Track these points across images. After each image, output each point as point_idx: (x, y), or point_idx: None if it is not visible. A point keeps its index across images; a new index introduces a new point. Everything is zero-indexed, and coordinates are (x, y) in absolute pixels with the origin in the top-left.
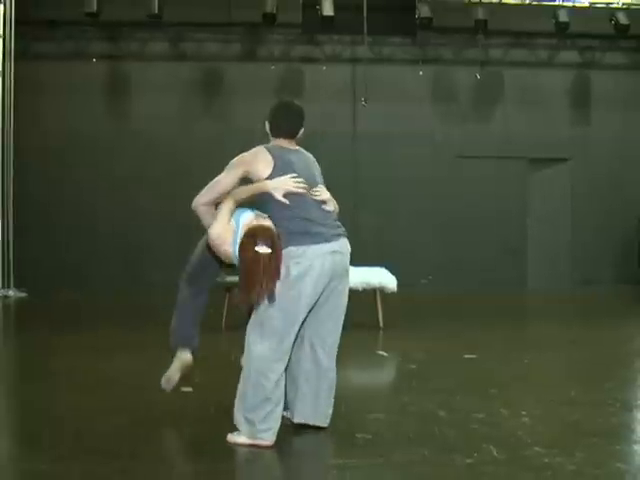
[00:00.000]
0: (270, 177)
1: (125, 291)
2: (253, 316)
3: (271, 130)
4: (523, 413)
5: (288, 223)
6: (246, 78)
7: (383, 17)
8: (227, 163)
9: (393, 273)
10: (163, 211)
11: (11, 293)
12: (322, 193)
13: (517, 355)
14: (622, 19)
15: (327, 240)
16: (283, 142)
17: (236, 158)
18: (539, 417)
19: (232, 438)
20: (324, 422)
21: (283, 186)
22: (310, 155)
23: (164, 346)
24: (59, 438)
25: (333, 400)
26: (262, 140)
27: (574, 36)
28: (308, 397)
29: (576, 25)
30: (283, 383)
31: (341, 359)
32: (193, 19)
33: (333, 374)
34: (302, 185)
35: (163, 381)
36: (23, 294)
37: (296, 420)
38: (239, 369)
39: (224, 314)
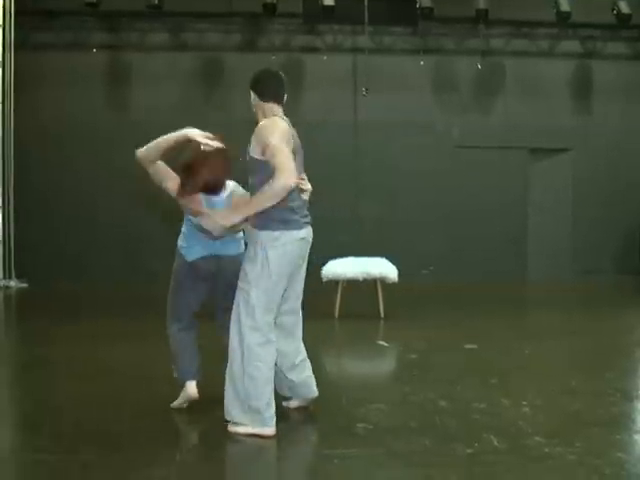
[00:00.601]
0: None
1: (125, 281)
2: (235, 308)
3: (261, 95)
4: (524, 403)
5: (272, 209)
6: (247, 68)
7: (384, 7)
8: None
9: (394, 263)
10: (164, 201)
11: (12, 284)
12: (306, 183)
13: (518, 345)
14: (624, 8)
15: (300, 227)
16: (275, 108)
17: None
18: (540, 407)
19: (233, 428)
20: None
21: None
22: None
23: (163, 336)
24: (60, 428)
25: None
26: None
27: (575, 26)
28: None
29: (577, 15)
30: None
31: (342, 349)
32: (193, 9)
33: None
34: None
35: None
36: (24, 285)
37: (301, 403)
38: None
39: None
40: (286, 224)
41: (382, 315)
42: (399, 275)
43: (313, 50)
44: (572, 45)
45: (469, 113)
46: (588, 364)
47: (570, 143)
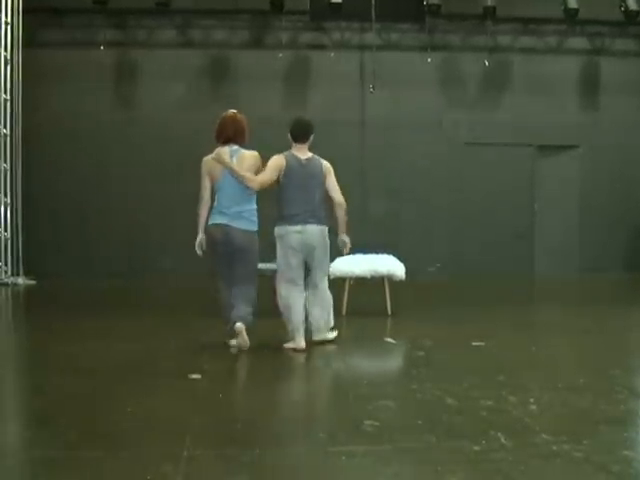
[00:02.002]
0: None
1: (133, 277)
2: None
3: (293, 139)
4: (531, 400)
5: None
6: (254, 65)
7: (391, 3)
8: None
9: (401, 261)
10: (171, 198)
11: (20, 281)
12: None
13: (525, 342)
14: (632, 5)
15: (296, 223)
16: (296, 147)
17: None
18: (547, 404)
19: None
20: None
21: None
22: (317, 163)
23: (170, 333)
24: (69, 424)
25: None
26: (268, 127)
27: (583, 22)
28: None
29: (585, 11)
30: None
31: (349, 346)
32: (200, 6)
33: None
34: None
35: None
36: (32, 282)
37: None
38: (247, 357)
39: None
40: (288, 220)
41: (389, 312)
42: (406, 272)
43: (320, 47)
44: (580, 42)
45: (476, 110)
46: (595, 361)
47: (577, 140)
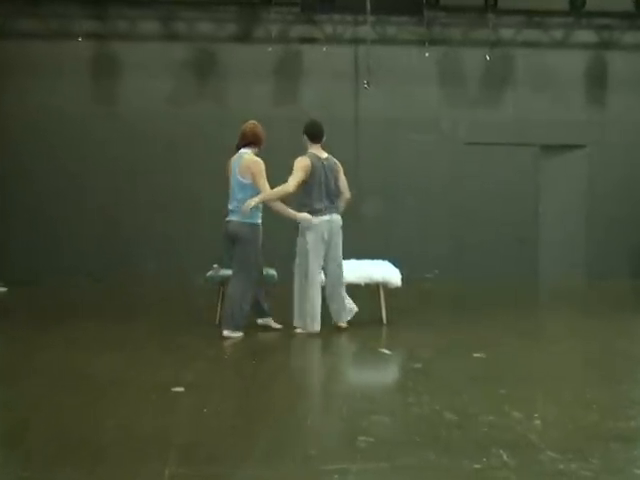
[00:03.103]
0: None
1: (112, 282)
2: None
3: (311, 139)
4: (535, 415)
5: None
6: (241, 60)
7: None
8: (222, 149)
9: (397, 266)
10: (154, 198)
11: None
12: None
13: (528, 353)
14: None
15: (324, 214)
16: (314, 147)
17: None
18: (552, 419)
19: (299, 331)
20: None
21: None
22: (332, 162)
23: (152, 342)
24: (44, 442)
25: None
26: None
27: (590, 14)
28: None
29: (593, 2)
30: None
31: (342, 357)
32: None
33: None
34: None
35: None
36: (3, 289)
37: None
38: (235, 367)
39: (218, 308)
40: (317, 212)
41: (384, 321)
42: (402, 279)
43: (312, 41)
44: (587, 35)
45: (477, 108)
46: (604, 374)
47: (585, 139)
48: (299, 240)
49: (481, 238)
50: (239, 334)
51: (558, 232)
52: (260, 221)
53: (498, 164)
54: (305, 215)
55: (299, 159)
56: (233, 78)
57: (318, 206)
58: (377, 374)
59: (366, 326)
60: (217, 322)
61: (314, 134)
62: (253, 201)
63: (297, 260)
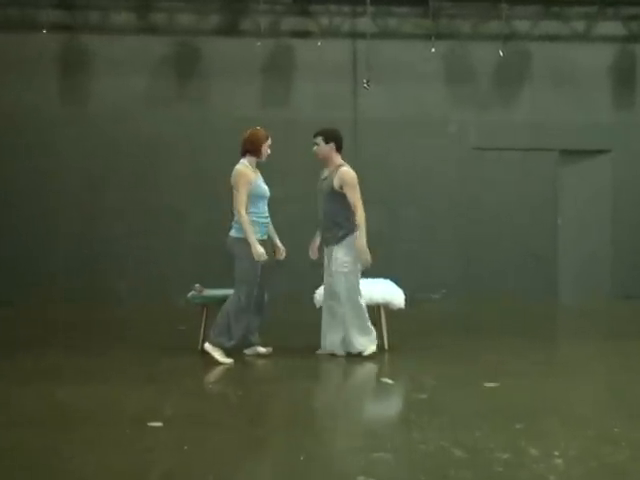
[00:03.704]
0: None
1: (86, 304)
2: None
3: (337, 149)
4: (556, 453)
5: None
6: (227, 55)
7: None
8: (206, 153)
9: (400, 286)
10: (130, 210)
11: None
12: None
13: (547, 383)
14: None
15: None
16: (338, 157)
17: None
18: (575, 458)
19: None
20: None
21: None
22: None
23: (127, 371)
24: None
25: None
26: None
27: (617, 3)
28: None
29: None
30: None
31: (338, 387)
32: None
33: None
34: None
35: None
36: None
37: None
38: (219, 399)
39: (201, 333)
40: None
41: (386, 347)
42: (406, 300)
43: (305, 35)
44: (613, 27)
45: (489, 109)
46: (631, 406)
47: (609, 143)
48: (340, 259)
49: (493, 254)
50: (224, 359)
51: (579, 247)
52: (259, 236)
53: (512, 172)
54: (258, 249)
55: (349, 171)
56: (218, 76)
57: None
58: (378, 406)
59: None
60: (200, 348)
61: (341, 143)
62: (362, 238)
63: (343, 282)
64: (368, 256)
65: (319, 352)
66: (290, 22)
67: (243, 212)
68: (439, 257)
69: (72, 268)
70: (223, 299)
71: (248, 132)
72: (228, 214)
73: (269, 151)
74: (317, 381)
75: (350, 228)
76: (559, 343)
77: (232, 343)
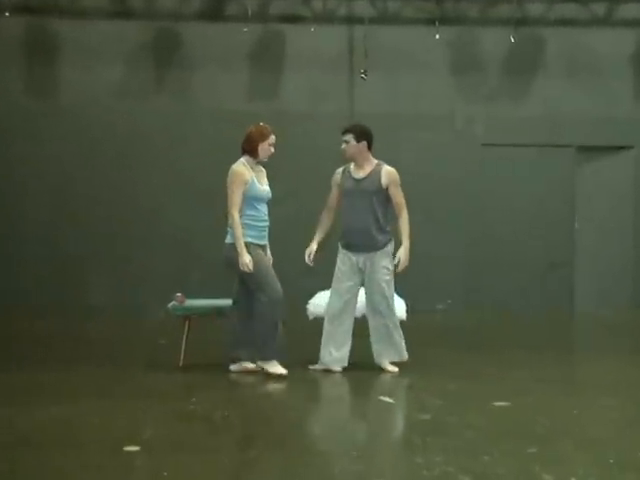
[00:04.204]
0: None
1: (56, 315)
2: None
3: (369, 148)
4: (572, 479)
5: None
6: (211, 42)
7: None
8: (187, 151)
9: (401, 296)
10: (104, 212)
11: None
12: None
13: (563, 402)
14: None
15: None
16: (368, 155)
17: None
18: None
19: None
20: None
21: None
22: None
23: (101, 390)
24: None
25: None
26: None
27: None
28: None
29: None
30: None
31: (334, 407)
32: None
33: None
34: None
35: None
36: None
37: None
38: (202, 420)
39: (182, 348)
40: None
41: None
42: (407, 310)
43: (297, 20)
44: (635, 10)
45: (498, 101)
46: None
47: (631, 139)
48: (385, 266)
49: (503, 262)
50: (279, 369)
51: (599, 253)
52: (249, 240)
53: (524, 171)
54: (244, 258)
55: (394, 170)
56: (201, 65)
57: None
58: (377, 427)
59: (363, 368)
60: (181, 364)
61: (372, 141)
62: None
63: (387, 291)
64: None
65: (314, 367)
66: (280, 6)
67: (235, 214)
68: (444, 264)
69: (40, 276)
70: (207, 310)
71: (249, 129)
72: (211, 215)
73: (272, 150)
74: (310, 399)
75: (391, 233)
76: (575, 358)
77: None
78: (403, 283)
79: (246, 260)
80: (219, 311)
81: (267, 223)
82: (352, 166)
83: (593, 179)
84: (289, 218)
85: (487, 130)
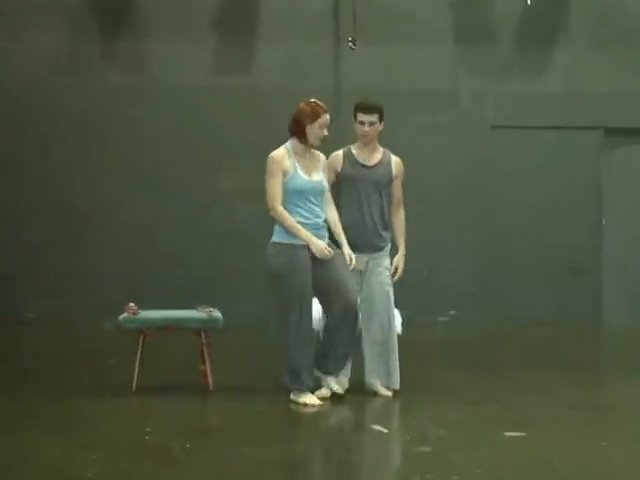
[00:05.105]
0: None
1: None
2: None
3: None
4: None
5: None
6: (169, 6)
7: None
8: (142, 133)
9: (397, 306)
10: (42, 207)
11: None
12: None
13: (588, 432)
14: None
15: None
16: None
17: None
18: None
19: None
20: None
21: None
22: None
23: (41, 419)
24: None
25: None
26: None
27: None
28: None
29: None
30: None
31: (319, 438)
32: None
33: None
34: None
35: None
36: None
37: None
38: (159, 452)
39: (136, 368)
40: None
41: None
42: (403, 323)
43: None
44: None
45: (512, 76)
46: None
47: None
48: (388, 270)
49: (516, 266)
50: (308, 398)
51: (629, 254)
52: (290, 240)
53: (542, 157)
54: (317, 243)
55: (401, 162)
56: (158, 32)
57: None
58: (368, 461)
59: (353, 392)
60: (134, 388)
61: None
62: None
63: (392, 300)
64: None
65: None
66: None
67: (277, 205)
68: (447, 268)
69: None
70: (165, 323)
71: (298, 106)
72: (172, 209)
73: (324, 132)
74: (288, 429)
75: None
76: (602, 379)
77: (306, 383)
78: (398, 292)
79: (319, 244)
80: (179, 324)
81: (319, 220)
82: (354, 150)
83: (623, 167)
84: (264, 213)
85: (498, 110)
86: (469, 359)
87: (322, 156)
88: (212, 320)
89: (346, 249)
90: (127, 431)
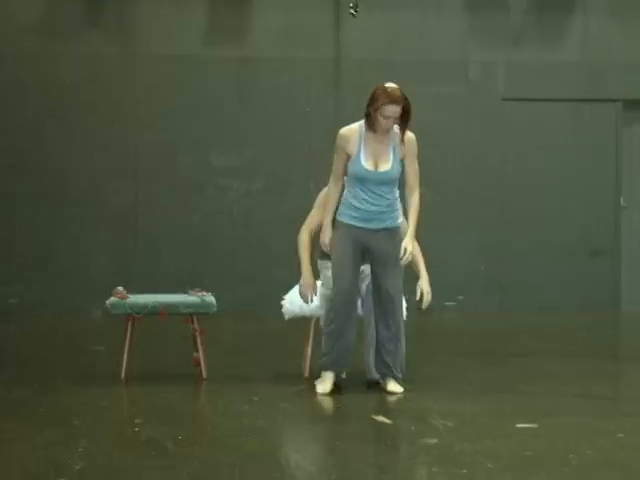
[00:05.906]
0: None
1: None
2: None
3: None
4: None
5: None
6: None
7: None
8: (128, 107)
9: (404, 291)
10: (23, 188)
11: None
12: None
13: (605, 423)
14: None
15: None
16: None
17: None
18: None
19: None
20: None
21: None
22: None
23: (22, 410)
24: None
25: None
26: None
27: None
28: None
29: None
30: None
31: (319, 430)
32: None
33: None
34: None
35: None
36: None
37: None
38: (148, 445)
39: (125, 355)
40: None
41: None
42: (408, 308)
43: None
44: None
45: (524, 45)
46: None
47: None
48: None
49: (529, 249)
50: (321, 385)
51: None
52: (343, 219)
53: (557, 132)
54: (326, 233)
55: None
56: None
57: None
58: (372, 454)
59: (355, 381)
60: (123, 376)
61: None
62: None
63: (401, 285)
64: None
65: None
66: None
67: (331, 183)
68: (455, 251)
69: None
70: (155, 308)
71: None
72: (161, 189)
73: (388, 124)
74: (290, 421)
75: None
76: (620, 368)
77: (324, 360)
78: (405, 276)
79: (325, 238)
80: (170, 309)
81: (375, 208)
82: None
83: None
84: (259, 193)
85: (509, 81)
86: (477, 346)
87: (396, 143)
88: (205, 304)
89: (405, 240)
90: (116, 422)
